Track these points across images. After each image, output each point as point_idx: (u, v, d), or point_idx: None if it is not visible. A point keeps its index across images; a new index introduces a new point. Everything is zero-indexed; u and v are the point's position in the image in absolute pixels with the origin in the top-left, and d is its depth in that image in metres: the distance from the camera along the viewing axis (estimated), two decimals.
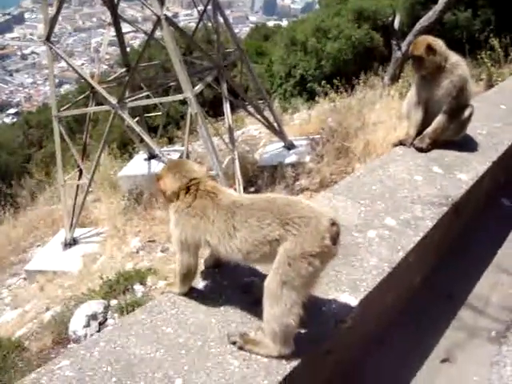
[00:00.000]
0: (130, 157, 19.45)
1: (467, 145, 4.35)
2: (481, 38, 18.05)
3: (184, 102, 20.56)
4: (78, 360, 2.05)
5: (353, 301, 2.43)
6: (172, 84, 15.73)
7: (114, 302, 9.30)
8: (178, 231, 2.50)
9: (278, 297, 2.19)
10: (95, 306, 9.10)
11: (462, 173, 3.83)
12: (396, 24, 19.74)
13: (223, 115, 17.99)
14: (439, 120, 4.26)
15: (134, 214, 15.33)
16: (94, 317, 8.85)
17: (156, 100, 14.45)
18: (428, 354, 2.70)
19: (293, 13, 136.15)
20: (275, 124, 16.47)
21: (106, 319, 8.88)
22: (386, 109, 16.31)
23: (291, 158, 15.99)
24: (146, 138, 13.88)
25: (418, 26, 19.21)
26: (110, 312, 9.08)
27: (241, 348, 2.25)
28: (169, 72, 19.16)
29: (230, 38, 18.37)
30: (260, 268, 2.65)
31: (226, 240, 2.37)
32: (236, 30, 18.67)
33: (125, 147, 21.50)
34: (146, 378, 1.97)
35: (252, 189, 15.06)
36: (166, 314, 2.36)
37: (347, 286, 2.44)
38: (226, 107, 14.16)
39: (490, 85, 14.54)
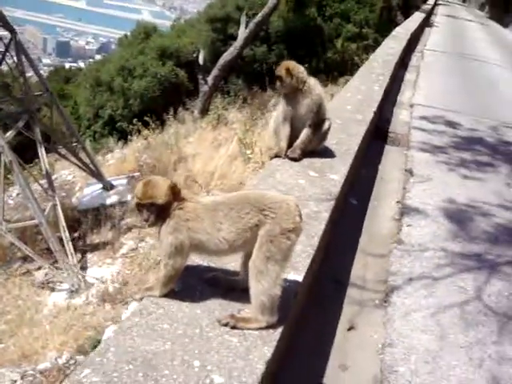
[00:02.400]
0: None
1: (327, 153, 5.32)
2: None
3: None
4: (97, 367, 2.27)
5: (298, 278, 3.09)
6: None
7: None
8: (173, 237, 2.72)
9: (264, 271, 2.64)
10: None
11: (333, 174, 4.75)
12: (200, 60, 21.00)
13: (31, 161, 17.67)
14: (305, 132, 5.12)
15: None
16: None
17: None
18: (336, 325, 3.51)
19: (88, 54, 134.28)
20: (91, 166, 16.57)
21: None
22: (200, 140, 17.20)
23: (112, 198, 16.24)
24: None
25: (221, 61, 20.73)
26: None
27: (234, 327, 2.62)
28: None
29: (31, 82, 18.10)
30: (216, 265, 3.07)
31: (215, 234, 2.72)
32: (29, 74, 18.29)
33: None
34: (167, 367, 2.30)
35: (76, 234, 15.04)
36: (156, 314, 2.64)
37: (291, 268, 3.05)
38: (41, 152, 14.11)
39: None
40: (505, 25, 37.12)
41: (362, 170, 6.15)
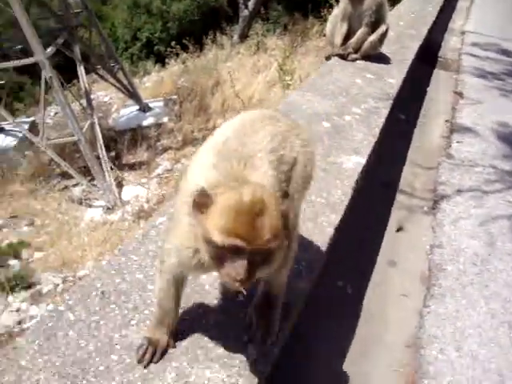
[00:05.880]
0: None
1: (383, 59, 5.45)
2: None
3: (22, 71, 19.91)
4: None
5: (361, 160, 3.22)
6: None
7: None
8: None
9: None
10: None
11: (389, 78, 4.85)
12: None
13: (69, 83, 17.77)
14: (361, 31, 5.21)
15: None
16: None
17: (1, 65, 13.81)
18: (385, 227, 3.64)
19: None
20: (128, 87, 16.66)
21: None
22: (239, 66, 17.12)
23: (149, 120, 16.39)
24: None
25: None
26: None
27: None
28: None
29: None
30: None
31: None
32: None
33: None
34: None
35: (112, 153, 15.26)
36: None
37: (352, 151, 3.14)
38: (81, 70, 14.17)
39: None
40: None
41: (410, 88, 6.15)
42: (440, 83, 7.00)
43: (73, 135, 13.40)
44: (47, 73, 12.64)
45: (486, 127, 5.42)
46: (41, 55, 12.43)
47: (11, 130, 16.26)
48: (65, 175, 14.16)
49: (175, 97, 16.73)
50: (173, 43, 18.61)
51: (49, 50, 12.97)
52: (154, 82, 19.88)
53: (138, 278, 2.14)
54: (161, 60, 21.54)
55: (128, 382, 1.67)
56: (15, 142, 15.75)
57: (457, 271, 3.12)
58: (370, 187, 3.85)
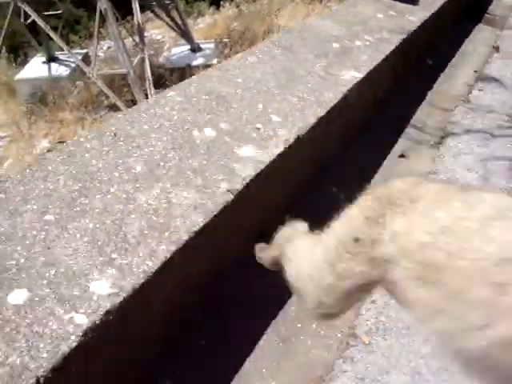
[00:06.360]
0: (26, 60, 19.17)
1: (413, 1, 5.58)
2: None
3: (79, 5, 20.43)
4: (181, 92, 2.86)
5: (358, 74, 3.46)
6: None
7: None
8: None
9: None
10: None
11: (412, 16, 5.08)
12: None
13: (124, 18, 18.20)
14: None
15: (39, 118, 15.52)
16: None
17: None
18: (388, 152, 3.92)
19: None
20: (182, 26, 16.96)
21: None
22: (292, 15, 17.19)
23: (199, 60, 16.69)
24: (53, 35, 14.02)
25: None
26: None
27: None
28: None
29: None
30: None
31: None
32: None
33: (15, 51, 20.94)
34: (237, 102, 2.81)
35: (160, 90, 15.70)
36: None
37: (353, 68, 3.45)
38: (136, 6, 14.48)
39: None
40: None
41: (446, 39, 6.32)
42: (480, 37, 7.10)
43: (122, 68, 13.87)
44: (102, 4, 13.09)
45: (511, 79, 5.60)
46: None
47: (65, 60, 16.89)
48: (112, 107, 14.73)
49: (226, 40, 16.99)
50: None
51: None
52: (207, 24, 20.11)
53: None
54: (216, 2, 21.70)
55: (124, 190, 2.10)
56: (68, 72, 16.37)
57: None
58: (381, 118, 4.17)
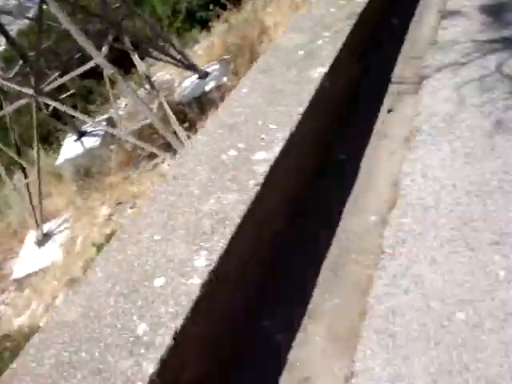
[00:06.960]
0: (59, 145, 20.51)
1: None
2: None
3: (86, 76, 21.80)
4: (204, 131, 3.77)
5: (323, 70, 4.27)
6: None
7: None
8: None
9: None
10: None
11: None
12: None
13: (128, 72, 19.38)
14: None
15: (90, 190, 16.76)
16: None
17: (69, 76, 15.49)
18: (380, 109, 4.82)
19: None
20: (183, 59, 17.98)
21: None
22: (278, 8, 17.96)
23: (210, 84, 17.68)
24: (74, 113, 15.26)
25: None
26: None
27: None
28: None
29: None
30: None
31: None
32: None
33: (46, 141, 22.25)
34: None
35: (186, 124, 16.77)
36: None
37: (319, 65, 4.27)
38: (136, 58, 15.59)
39: None
40: None
41: None
42: None
43: (146, 119, 14.98)
44: (108, 70, 14.22)
45: (472, 7, 6.31)
46: (98, 57, 13.99)
47: (93, 131, 18.24)
48: (150, 156, 15.90)
49: (227, 56, 17.94)
50: (211, 6, 19.73)
51: (103, 49, 14.46)
52: (204, 47, 21.12)
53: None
54: (205, 26, 22.74)
55: None
56: (100, 141, 17.70)
57: (429, 129, 4.25)
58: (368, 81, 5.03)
